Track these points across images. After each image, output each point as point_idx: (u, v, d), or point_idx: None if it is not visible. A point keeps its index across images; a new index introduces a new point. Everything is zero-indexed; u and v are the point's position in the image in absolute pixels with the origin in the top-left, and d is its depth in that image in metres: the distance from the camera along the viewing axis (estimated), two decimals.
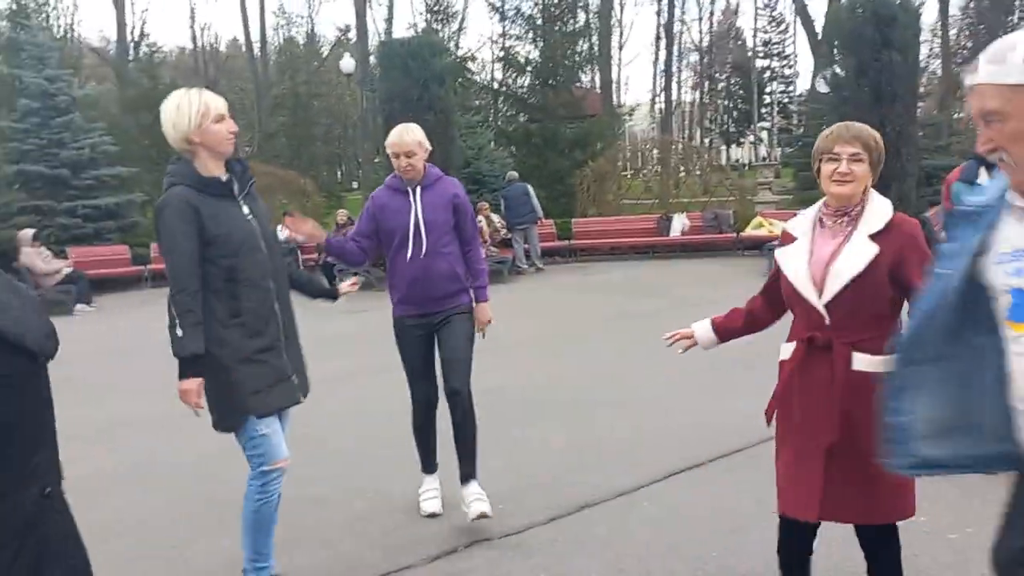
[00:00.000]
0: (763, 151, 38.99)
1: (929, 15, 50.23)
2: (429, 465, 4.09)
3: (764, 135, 43.98)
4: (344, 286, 3.56)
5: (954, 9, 43.66)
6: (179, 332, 2.81)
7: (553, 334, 8.77)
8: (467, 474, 3.89)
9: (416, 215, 3.78)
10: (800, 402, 2.53)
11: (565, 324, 9.33)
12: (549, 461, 4.72)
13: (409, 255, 3.77)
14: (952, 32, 43.36)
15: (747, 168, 33.60)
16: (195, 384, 2.86)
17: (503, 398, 6.12)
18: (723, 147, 50.10)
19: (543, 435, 5.23)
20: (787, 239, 2.64)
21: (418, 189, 3.83)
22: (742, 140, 52.24)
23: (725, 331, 2.88)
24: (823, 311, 2.45)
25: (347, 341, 8.48)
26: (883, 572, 2.64)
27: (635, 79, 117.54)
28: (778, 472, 2.61)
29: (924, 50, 44.47)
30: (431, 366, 3.94)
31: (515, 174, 15.25)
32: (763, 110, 50.05)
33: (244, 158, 3.20)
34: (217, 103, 2.90)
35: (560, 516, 3.92)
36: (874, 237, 2.44)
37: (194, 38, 48.79)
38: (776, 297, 2.67)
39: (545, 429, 5.35)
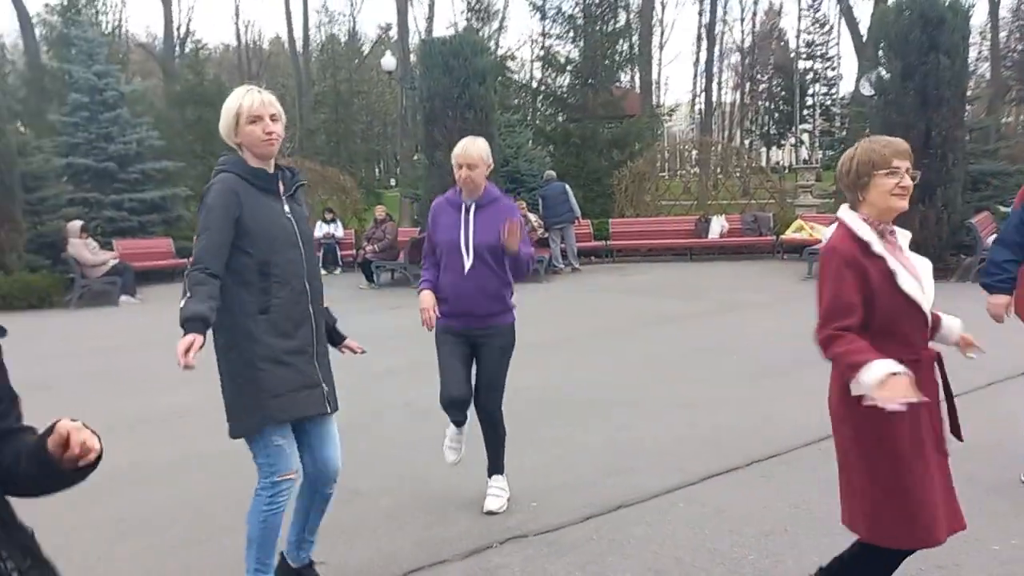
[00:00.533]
0: (804, 154, 38.48)
1: (979, 17, 49.19)
2: (460, 422, 4.10)
3: (805, 137, 43.39)
4: (350, 347, 3.31)
5: (1004, 11, 42.69)
6: (185, 299, 2.66)
7: (589, 334, 8.77)
8: (493, 469, 4.12)
9: (467, 233, 3.82)
10: (917, 421, 2.42)
11: (601, 325, 9.32)
12: (585, 461, 4.73)
13: (455, 270, 3.83)
14: (1002, 35, 42.36)
15: (787, 171, 33.22)
16: (191, 339, 2.54)
17: (539, 397, 6.15)
18: (763, 149, 49.59)
19: (578, 435, 5.24)
20: (866, 252, 2.43)
21: (473, 207, 3.85)
22: (783, 142, 51.67)
23: None
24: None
25: (386, 337, 8.57)
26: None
27: (675, 79, 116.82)
28: (909, 499, 2.42)
29: (973, 53, 43.63)
30: (467, 373, 3.96)
31: (552, 173, 15.24)
32: (805, 112, 49.36)
33: (294, 167, 3.22)
34: (251, 104, 2.83)
35: (596, 515, 3.93)
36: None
37: (238, 35, 49.65)
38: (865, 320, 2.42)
39: (580, 429, 5.36)
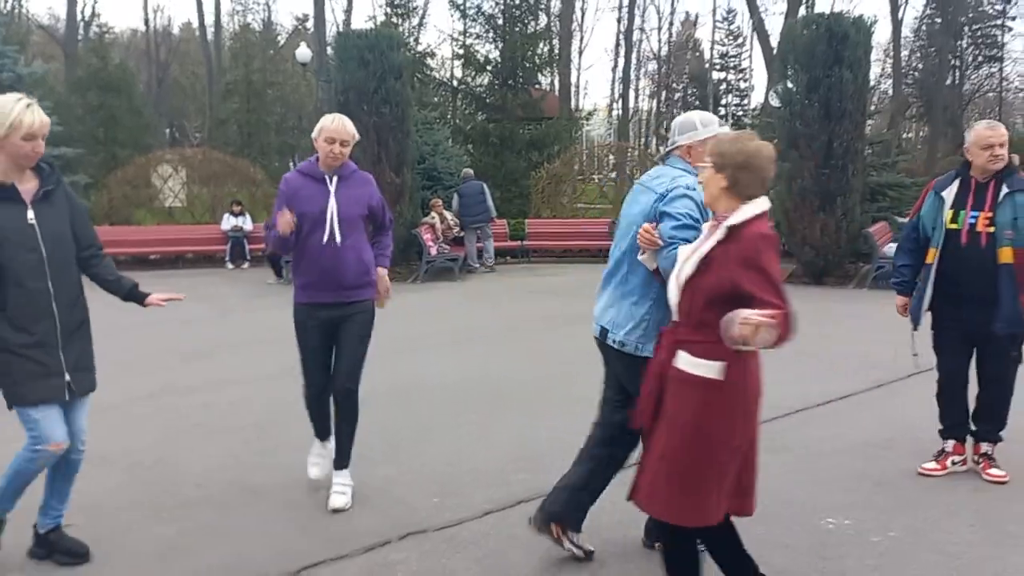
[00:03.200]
0: None
1: (883, 35, 51.49)
2: (324, 432, 4.15)
3: None
4: (155, 299, 3.41)
5: (907, 31, 44.90)
6: None
7: (502, 332, 8.77)
8: (341, 462, 4.04)
9: (333, 204, 3.82)
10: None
11: (514, 322, 9.34)
12: (491, 455, 4.72)
13: (324, 242, 3.81)
14: (904, 53, 44.53)
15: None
16: None
17: (448, 393, 6.12)
18: None
19: (485, 431, 5.22)
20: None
21: (335, 178, 3.87)
22: None
23: None
24: (673, 306, 2.82)
25: (290, 335, 8.36)
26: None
27: (594, 84, 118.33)
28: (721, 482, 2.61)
29: (876, 70, 45.69)
30: (329, 356, 3.97)
31: (470, 171, 15.20)
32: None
33: (54, 166, 3.27)
34: (32, 123, 2.98)
35: (496, 510, 3.92)
36: (721, 243, 2.63)
37: (147, 20, 47.81)
38: None
39: (488, 424, 5.35)
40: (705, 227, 2.72)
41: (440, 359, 7.36)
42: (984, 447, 4.27)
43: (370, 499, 4.05)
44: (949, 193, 4.17)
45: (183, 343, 8.14)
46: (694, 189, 2.96)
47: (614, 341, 3.20)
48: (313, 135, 3.88)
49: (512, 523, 3.76)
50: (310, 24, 39.32)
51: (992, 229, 4.00)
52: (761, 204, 2.54)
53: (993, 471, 4.20)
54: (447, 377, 6.59)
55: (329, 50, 25.81)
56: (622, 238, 3.25)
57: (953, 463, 4.31)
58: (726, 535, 2.72)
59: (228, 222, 15.54)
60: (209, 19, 40.20)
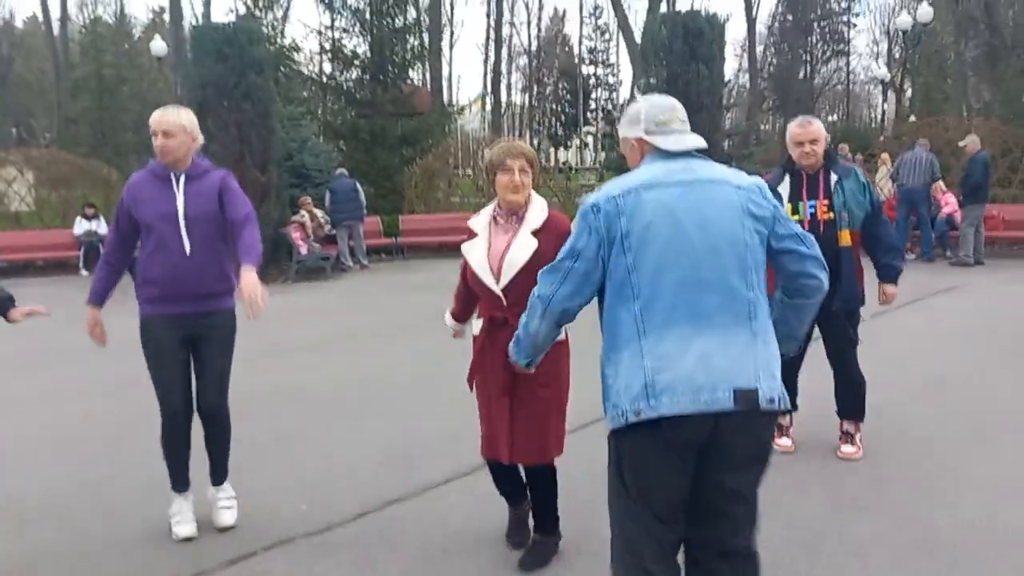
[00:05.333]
0: (589, 154, 40.43)
1: (739, 32, 54.01)
2: (182, 483, 3.69)
3: (589, 139, 45.68)
4: (16, 314, 3.30)
5: (761, 27, 47.26)
6: None
7: (373, 331, 8.65)
8: (219, 477, 3.80)
9: (180, 204, 3.45)
10: (490, 367, 3.13)
11: (387, 322, 9.23)
12: (362, 457, 4.64)
13: (168, 249, 3.43)
14: (759, 49, 46.86)
15: (573, 171, 34.71)
16: None
17: (318, 396, 5.99)
18: (551, 150, 51.57)
19: (356, 432, 5.14)
20: (470, 234, 3.20)
21: (182, 177, 3.49)
22: (569, 143, 54.05)
23: (463, 314, 3.51)
24: (500, 294, 3.05)
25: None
26: (544, 497, 3.31)
27: (467, 78, 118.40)
28: (481, 420, 3.27)
29: (734, 64, 47.92)
30: (187, 375, 3.57)
31: (343, 170, 14.87)
32: (589, 115, 51.99)
33: None
34: None
35: (367, 512, 3.87)
36: (535, 233, 3.04)
37: None
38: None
39: (359, 426, 5.26)
40: (484, 222, 3.22)
41: (310, 362, 7.19)
42: (845, 425, 4.47)
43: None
44: (784, 188, 4.39)
45: (22, 353, 7.61)
46: None
47: (771, 400, 2.16)
48: None
49: (383, 524, 3.72)
50: (167, 17, 37.52)
51: (831, 215, 4.25)
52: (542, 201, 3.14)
53: (845, 448, 4.40)
54: (317, 381, 6.44)
55: (187, 45, 24.69)
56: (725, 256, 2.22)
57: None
58: None
59: (81, 226, 14.65)
60: (56, 12, 37.71)
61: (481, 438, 3.28)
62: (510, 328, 2.82)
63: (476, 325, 3.24)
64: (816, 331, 4.13)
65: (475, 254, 3.13)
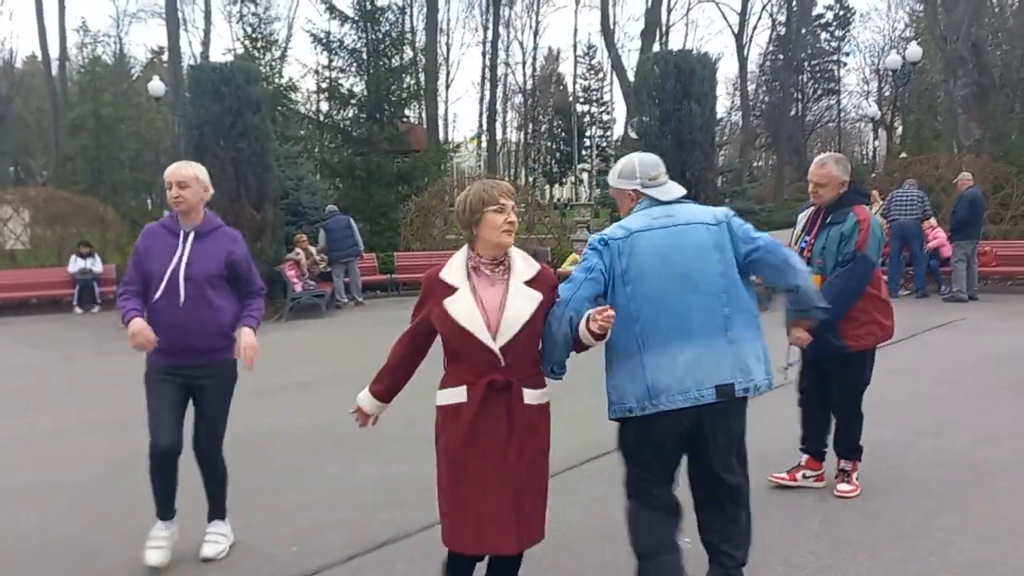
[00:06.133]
0: (584, 191, 40.64)
1: (731, 71, 54.63)
2: (164, 511, 3.76)
3: (584, 176, 45.95)
4: None
5: (753, 66, 47.89)
6: None
7: (369, 369, 8.54)
8: (214, 514, 3.91)
9: (180, 261, 3.62)
10: (484, 443, 2.64)
11: (381, 359, 9.10)
12: (354, 498, 4.59)
13: (170, 303, 3.59)
14: (751, 87, 47.43)
15: (568, 208, 34.89)
16: None
17: (309, 436, 5.94)
18: (547, 186, 51.89)
19: (348, 473, 5.09)
20: (445, 288, 2.70)
21: (191, 235, 3.69)
22: (564, 180, 54.41)
23: (389, 392, 3.11)
24: (499, 354, 2.62)
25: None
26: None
27: (463, 117, 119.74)
28: (451, 510, 2.71)
29: (727, 103, 48.46)
30: (180, 415, 3.68)
31: (334, 207, 14.91)
32: (583, 152, 52.36)
33: None
34: None
35: (360, 554, 3.82)
36: (530, 284, 2.70)
37: None
38: (423, 345, 2.89)
39: (351, 467, 5.21)
40: (460, 273, 2.75)
41: (303, 401, 7.14)
42: (842, 463, 4.43)
43: (220, 556, 3.84)
44: (804, 216, 4.41)
45: (12, 393, 7.56)
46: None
47: (746, 390, 2.84)
48: None
49: (376, 565, 3.68)
50: (166, 57, 37.90)
51: (810, 255, 4.23)
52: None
53: (841, 487, 4.36)
54: (310, 420, 6.40)
55: (185, 84, 24.93)
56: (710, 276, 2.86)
57: (805, 476, 4.50)
58: None
59: (76, 264, 14.65)
60: (55, 52, 38.04)
61: (448, 526, 2.74)
62: (512, 393, 2.63)
63: (443, 395, 2.78)
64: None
65: (461, 310, 2.64)
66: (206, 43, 36.00)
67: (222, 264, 3.68)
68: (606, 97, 55.80)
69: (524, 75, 52.66)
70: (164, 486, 3.69)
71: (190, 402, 3.75)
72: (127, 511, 4.37)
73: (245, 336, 3.67)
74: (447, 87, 45.41)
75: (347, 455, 5.47)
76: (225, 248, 3.72)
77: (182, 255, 3.64)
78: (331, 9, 20.97)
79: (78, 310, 14.38)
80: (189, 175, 3.69)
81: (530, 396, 2.72)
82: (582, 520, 4.13)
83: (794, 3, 43.52)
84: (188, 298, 3.59)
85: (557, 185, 54.42)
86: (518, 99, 53.74)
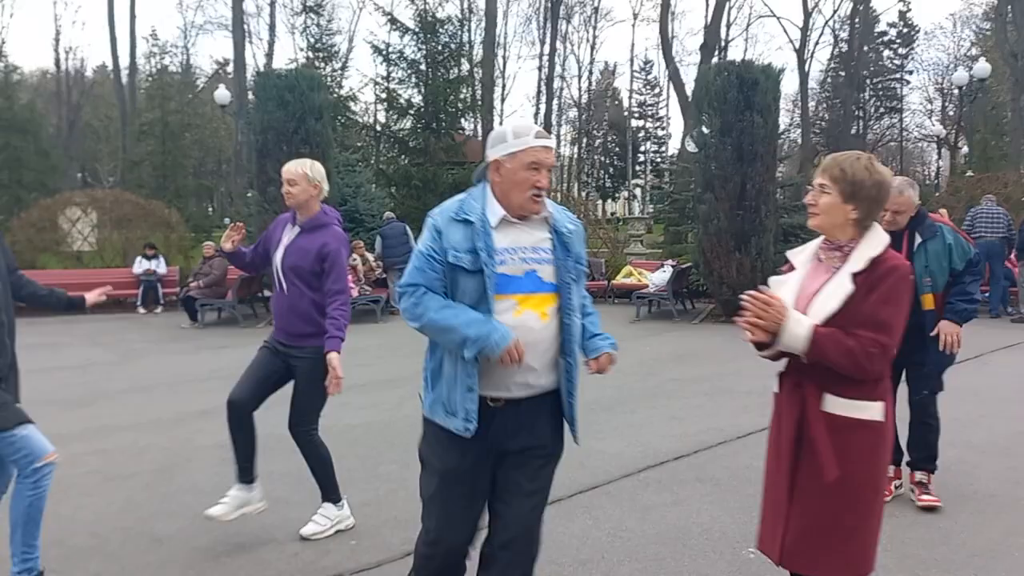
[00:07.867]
0: (637, 206, 40.46)
1: (791, 87, 54.05)
2: (242, 472, 3.93)
3: (638, 191, 45.77)
4: (91, 296, 3.81)
5: (813, 83, 47.22)
6: None
7: (420, 373, 8.62)
8: (323, 496, 4.06)
9: (280, 252, 3.89)
10: (779, 437, 2.48)
11: None
12: (413, 497, 4.58)
13: (276, 285, 3.94)
14: (811, 104, 46.75)
15: (620, 222, 34.76)
16: None
17: (371, 434, 5.99)
18: (600, 201, 51.76)
19: (408, 471, 5.07)
20: (788, 268, 2.57)
21: (297, 229, 3.90)
22: (617, 195, 54.22)
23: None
24: None
25: (198, 379, 8.08)
26: None
27: None
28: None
29: (786, 118, 47.84)
30: (259, 378, 3.88)
31: (391, 214, 15.10)
32: (637, 168, 52.18)
33: None
34: None
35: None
36: (857, 276, 2.33)
37: (57, 61, 46.54)
38: None
39: (406, 467, 5.21)
40: (807, 255, 2.50)
41: (359, 402, 7.19)
42: (918, 476, 4.36)
43: (282, 544, 3.90)
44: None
45: (75, 388, 7.77)
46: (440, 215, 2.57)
47: None
48: None
49: None
50: (231, 68, 38.92)
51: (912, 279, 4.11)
52: (882, 233, 2.43)
53: (925, 497, 4.29)
54: (366, 421, 6.45)
55: (250, 94, 25.57)
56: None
57: (896, 487, 4.44)
58: None
59: (140, 265, 15.06)
60: (124, 62, 39.37)
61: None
62: (804, 392, 2.39)
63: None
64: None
65: (781, 293, 2.40)
66: (270, 55, 36.91)
67: (312, 258, 3.80)
68: (661, 112, 55.61)
69: (579, 89, 52.79)
70: (235, 442, 3.85)
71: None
72: (188, 503, 4.44)
73: (331, 362, 3.69)
74: (503, 100, 45.71)
75: (400, 456, 5.48)
76: (319, 241, 3.83)
77: (284, 246, 3.89)
78: (392, 21, 21.31)
79: (141, 310, 14.74)
80: (297, 173, 3.85)
81: (840, 405, 2.36)
82: (640, 527, 4.07)
83: (857, 20, 42.87)
84: (284, 285, 3.86)
85: (610, 200, 54.24)
86: (573, 113, 53.86)
